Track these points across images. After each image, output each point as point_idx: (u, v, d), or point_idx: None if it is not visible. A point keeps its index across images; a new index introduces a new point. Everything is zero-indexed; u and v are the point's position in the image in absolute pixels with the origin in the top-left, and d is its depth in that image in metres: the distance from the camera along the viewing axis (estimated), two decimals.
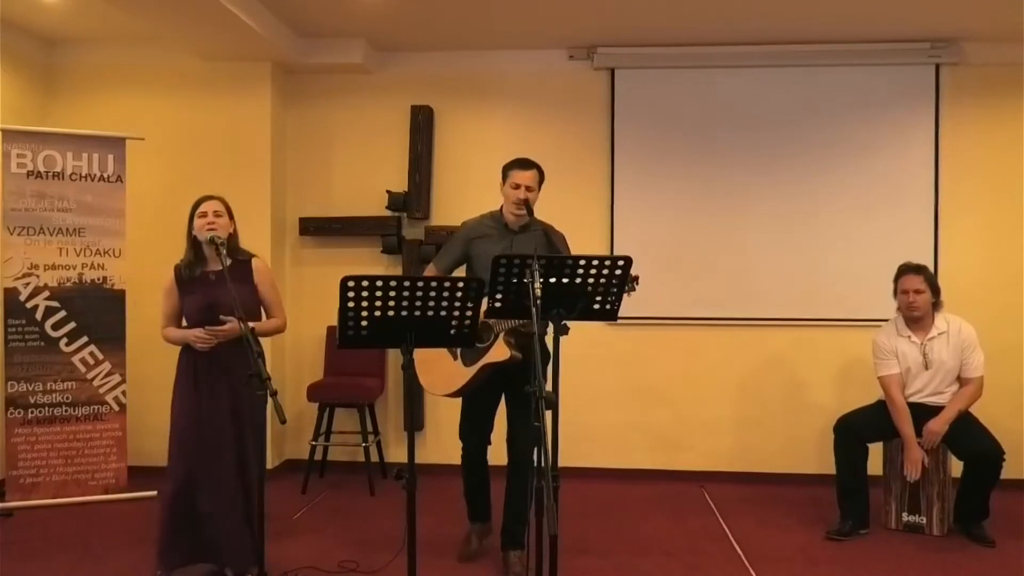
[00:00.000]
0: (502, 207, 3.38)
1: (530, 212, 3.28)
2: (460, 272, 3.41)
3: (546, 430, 2.35)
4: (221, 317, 3.07)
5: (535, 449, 3.25)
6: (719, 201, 4.93)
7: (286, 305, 5.03)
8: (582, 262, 2.62)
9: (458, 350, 3.29)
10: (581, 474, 4.78)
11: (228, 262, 3.10)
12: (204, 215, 3.17)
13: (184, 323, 3.26)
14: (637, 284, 3.03)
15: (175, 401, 3.22)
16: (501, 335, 3.18)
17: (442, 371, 3.30)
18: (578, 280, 2.63)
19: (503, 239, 3.32)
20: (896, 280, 3.96)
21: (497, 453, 3.46)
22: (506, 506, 3.42)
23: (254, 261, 3.33)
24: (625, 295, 3.02)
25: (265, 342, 3.12)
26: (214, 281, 3.18)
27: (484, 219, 3.44)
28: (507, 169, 3.35)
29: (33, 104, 4.88)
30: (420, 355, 3.19)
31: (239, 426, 3.15)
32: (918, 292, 3.86)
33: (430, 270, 3.45)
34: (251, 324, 3.07)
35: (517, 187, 3.27)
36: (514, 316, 2.86)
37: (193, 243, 3.23)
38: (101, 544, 3.72)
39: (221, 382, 3.14)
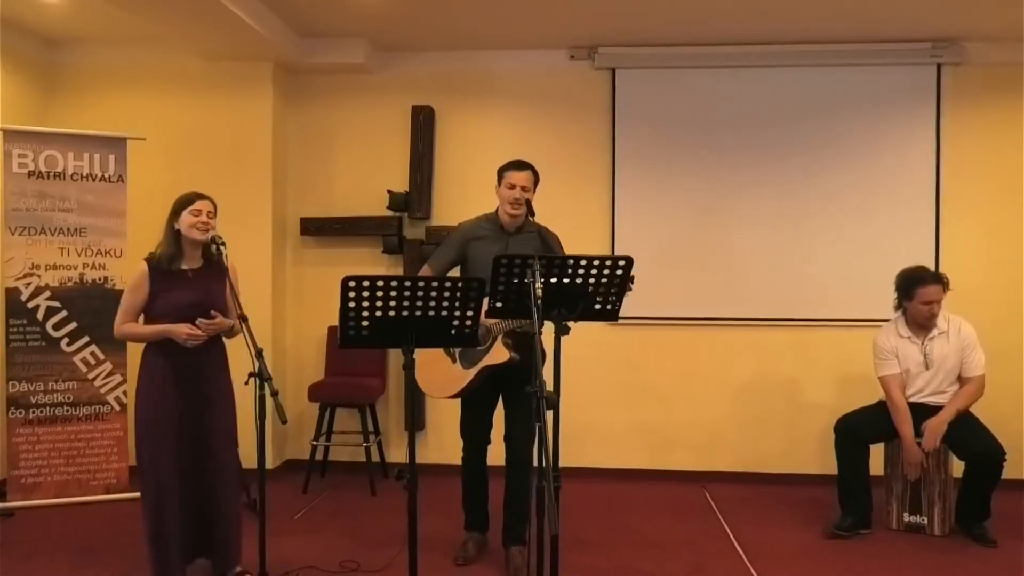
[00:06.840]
0: (497, 209, 3.43)
1: (532, 212, 3.30)
2: (455, 274, 3.44)
3: (547, 430, 2.35)
4: (212, 312, 3.02)
5: (533, 448, 3.26)
6: (720, 201, 4.93)
7: (288, 305, 5.12)
8: (583, 262, 2.63)
9: (456, 352, 3.31)
10: (581, 474, 4.78)
11: (213, 261, 3.11)
12: (199, 213, 3.07)
13: (141, 320, 3.11)
14: (632, 284, 3.04)
15: (146, 402, 3.04)
16: (499, 337, 3.22)
17: (440, 373, 3.32)
18: (579, 280, 2.64)
19: (499, 241, 3.37)
20: (914, 286, 3.81)
21: (496, 453, 3.48)
22: (506, 504, 3.45)
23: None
24: None
25: (266, 342, 3.12)
26: (192, 279, 3.09)
27: (480, 221, 3.49)
28: (502, 171, 3.41)
29: (34, 104, 4.88)
30: (417, 357, 3.23)
31: (222, 418, 3.11)
32: (938, 303, 3.81)
33: (424, 271, 3.48)
34: (228, 321, 3.07)
35: (513, 187, 3.33)
36: (515, 316, 2.88)
37: (176, 238, 3.09)
38: (102, 544, 3.73)
39: (198, 377, 3.07)
